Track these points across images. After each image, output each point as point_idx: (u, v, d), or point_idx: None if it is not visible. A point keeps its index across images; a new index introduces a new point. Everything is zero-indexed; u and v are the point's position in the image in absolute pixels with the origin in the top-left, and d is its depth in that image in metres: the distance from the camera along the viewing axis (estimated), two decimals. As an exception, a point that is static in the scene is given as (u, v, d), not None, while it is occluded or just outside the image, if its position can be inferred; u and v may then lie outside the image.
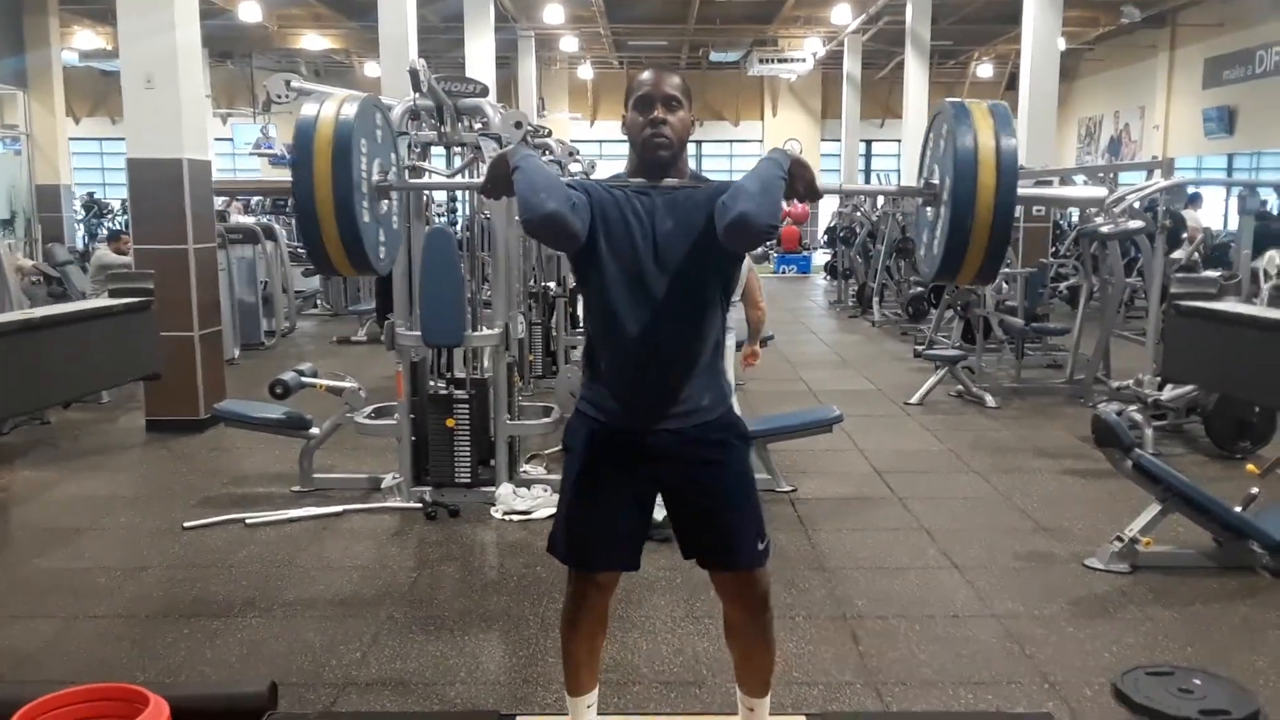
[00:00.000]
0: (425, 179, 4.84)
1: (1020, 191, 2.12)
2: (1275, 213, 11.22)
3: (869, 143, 23.72)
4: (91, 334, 2.24)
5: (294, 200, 2.15)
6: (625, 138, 2.24)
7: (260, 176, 23.01)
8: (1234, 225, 8.82)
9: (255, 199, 14.41)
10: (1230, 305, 4.17)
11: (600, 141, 23.37)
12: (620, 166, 2.32)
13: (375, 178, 2.24)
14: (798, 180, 2.12)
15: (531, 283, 7.33)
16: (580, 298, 3.66)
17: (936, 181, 2.22)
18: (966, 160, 2.06)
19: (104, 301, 2.33)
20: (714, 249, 2.12)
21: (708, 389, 2.23)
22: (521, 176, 2.11)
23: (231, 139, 20.70)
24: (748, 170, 2.14)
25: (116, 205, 17.52)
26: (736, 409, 2.43)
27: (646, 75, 2.22)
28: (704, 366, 2.22)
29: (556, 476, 4.85)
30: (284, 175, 21.81)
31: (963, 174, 2.06)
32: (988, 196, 2.06)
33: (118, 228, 14.05)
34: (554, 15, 16.22)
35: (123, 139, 6.32)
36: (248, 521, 4.51)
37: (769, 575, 2.35)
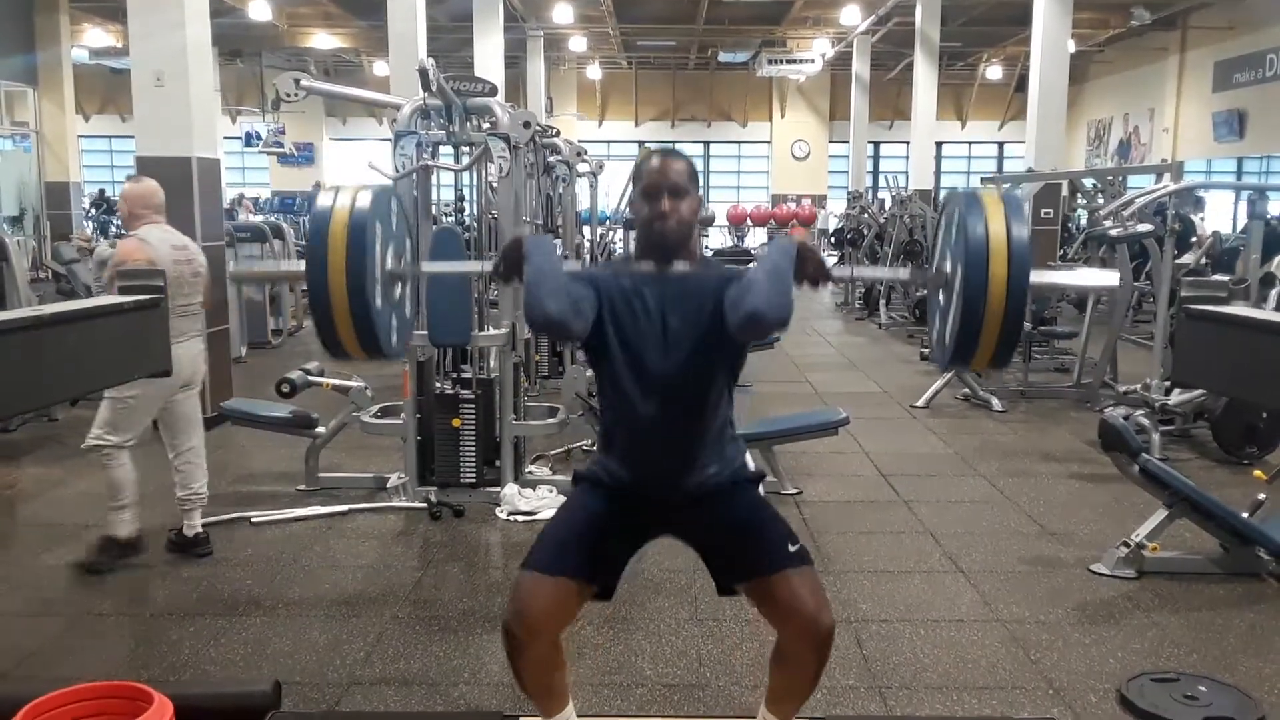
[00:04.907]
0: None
1: (1032, 280, 2.13)
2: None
3: (877, 144, 23.67)
4: (101, 331, 2.23)
5: (308, 288, 2.19)
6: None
7: (269, 173, 23.14)
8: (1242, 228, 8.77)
9: (263, 199, 14.47)
10: (1242, 310, 4.16)
11: (608, 142, 23.41)
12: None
13: (389, 265, 2.28)
14: (807, 263, 2.08)
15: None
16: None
17: (948, 269, 2.23)
18: (978, 251, 2.07)
19: (114, 299, 2.33)
20: (722, 338, 2.11)
21: (715, 460, 2.24)
22: (531, 269, 2.07)
23: (241, 137, 20.75)
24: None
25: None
26: (750, 467, 2.40)
27: (653, 163, 2.19)
28: (710, 441, 2.23)
29: (561, 478, 4.87)
30: (293, 182, 21.95)
31: (973, 265, 2.07)
32: (999, 288, 2.06)
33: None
34: (563, 15, 16.26)
35: (132, 136, 6.34)
36: (253, 520, 4.52)
37: (831, 614, 2.14)
